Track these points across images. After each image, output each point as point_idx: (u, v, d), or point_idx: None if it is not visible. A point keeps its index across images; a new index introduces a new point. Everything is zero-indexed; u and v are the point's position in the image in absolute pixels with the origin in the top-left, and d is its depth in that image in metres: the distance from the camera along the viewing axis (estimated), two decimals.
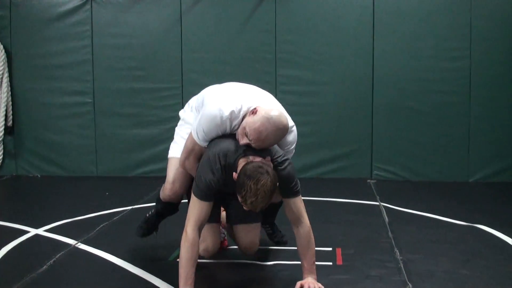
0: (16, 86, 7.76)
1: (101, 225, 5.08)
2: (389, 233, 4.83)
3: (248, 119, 3.32)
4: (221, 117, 3.37)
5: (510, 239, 4.66)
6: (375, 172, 7.46)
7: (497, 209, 5.87)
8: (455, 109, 7.28)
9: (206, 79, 7.37)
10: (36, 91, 7.74)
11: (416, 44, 7.27)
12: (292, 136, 3.71)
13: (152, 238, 4.33)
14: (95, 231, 4.90)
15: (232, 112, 3.38)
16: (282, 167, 3.38)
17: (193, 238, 3.27)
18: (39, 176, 7.79)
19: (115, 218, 5.38)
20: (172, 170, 3.95)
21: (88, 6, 7.58)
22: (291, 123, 3.62)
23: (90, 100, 7.69)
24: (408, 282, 3.61)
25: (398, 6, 7.26)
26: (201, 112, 3.55)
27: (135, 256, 4.21)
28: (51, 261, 4.05)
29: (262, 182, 3.07)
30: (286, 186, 3.43)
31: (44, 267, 3.93)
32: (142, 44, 7.58)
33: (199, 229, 3.34)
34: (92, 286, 3.65)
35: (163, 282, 3.62)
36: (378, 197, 6.31)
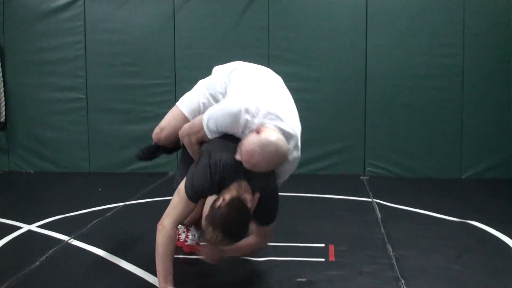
0: (9, 82, 7.74)
1: (94, 221, 5.07)
2: (382, 229, 4.84)
3: (249, 137, 3.14)
4: (240, 119, 3.19)
5: (501, 235, 4.68)
6: (368, 168, 7.47)
7: (490, 206, 5.89)
8: (448, 106, 7.30)
9: (199, 75, 7.36)
10: (29, 87, 7.73)
11: (409, 41, 7.28)
12: (292, 167, 3.47)
13: (144, 234, 4.32)
14: (87, 227, 4.89)
15: (247, 121, 3.21)
16: (267, 200, 3.31)
17: (171, 233, 3.21)
18: (31, 172, 7.78)
19: (107, 215, 5.37)
20: (168, 119, 3.87)
21: (81, 2, 7.56)
22: (297, 153, 3.42)
23: (83, 96, 7.67)
24: (400, 278, 3.62)
25: (391, 3, 7.27)
26: (222, 103, 3.42)
27: (127, 252, 4.21)
28: (44, 257, 4.04)
29: (227, 240, 3.10)
30: (263, 219, 3.42)
31: (37, 263, 3.92)
32: (135, 40, 7.57)
33: (177, 226, 3.30)
34: (84, 282, 3.65)
35: (155, 278, 3.62)
36: (371, 193, 6.32)
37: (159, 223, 3.25)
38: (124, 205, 5.78)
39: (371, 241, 4.54)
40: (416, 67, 7.29)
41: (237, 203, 3.10)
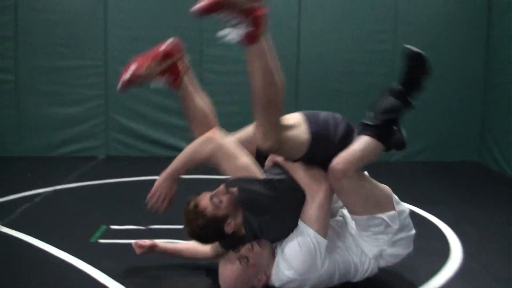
0: None
1: (23, 207, 4.96)
2: None
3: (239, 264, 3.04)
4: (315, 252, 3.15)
5: (430, 215, 4.83)
6: None
7: (418, 188, 6.05)
8: (379, 91, 7.40)
9: (131, 57, 7.28)
10: None
11: (342, 26, 7.37)
12: None
13: (75, 219, 4.24)
14: (16, 213, 4.78)
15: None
16: None
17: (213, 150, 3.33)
18: None
19: (36, 200, 5.26)
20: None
21: None
22: None
23: (12, 78, 7.45)
24: None
25: None
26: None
27: (57, 238, 4.13)
28: None
29: (186, 228, 3.11)
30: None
31: None
32: (67, 20, 7.38)
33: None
34: (13, 269, 3.57)
35: (85, 264, 3.58)
36: None
37: (214, 133, 3.42)
38: (54, 190, 5.67)
39: None
40: (348, 52, 7.40)
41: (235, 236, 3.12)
